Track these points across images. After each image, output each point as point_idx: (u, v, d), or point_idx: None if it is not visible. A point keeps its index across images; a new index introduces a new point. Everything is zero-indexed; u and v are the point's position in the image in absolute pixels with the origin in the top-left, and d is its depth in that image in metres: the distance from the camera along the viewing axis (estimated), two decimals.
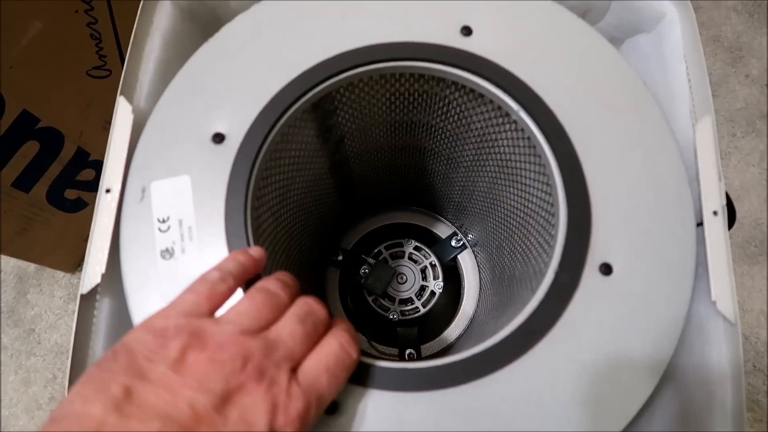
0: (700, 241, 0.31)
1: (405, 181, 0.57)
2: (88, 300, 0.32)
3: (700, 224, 0.32)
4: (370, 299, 0.60)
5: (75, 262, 0.86)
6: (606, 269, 0.30)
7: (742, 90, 0.87)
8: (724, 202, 0.31)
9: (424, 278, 0.61)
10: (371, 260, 0.61)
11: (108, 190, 0.33)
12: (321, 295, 0.64)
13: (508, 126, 0.37)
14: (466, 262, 0.63)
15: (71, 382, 0.31)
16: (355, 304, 0.62)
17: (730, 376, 0.30)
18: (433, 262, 0.62)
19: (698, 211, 0.32)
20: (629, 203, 0.32)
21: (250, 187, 0.33)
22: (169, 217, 0.32)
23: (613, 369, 0.29)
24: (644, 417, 0.37)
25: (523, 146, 0.36)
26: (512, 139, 0.37)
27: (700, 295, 0.31)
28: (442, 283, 0.61)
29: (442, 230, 0.65)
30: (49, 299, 0.85)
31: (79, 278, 0.87)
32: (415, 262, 0.62)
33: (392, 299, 0.60)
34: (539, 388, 0.29)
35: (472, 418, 0.28)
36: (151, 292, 0.31)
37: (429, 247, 0.64)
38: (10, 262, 0.87)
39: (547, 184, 0.34)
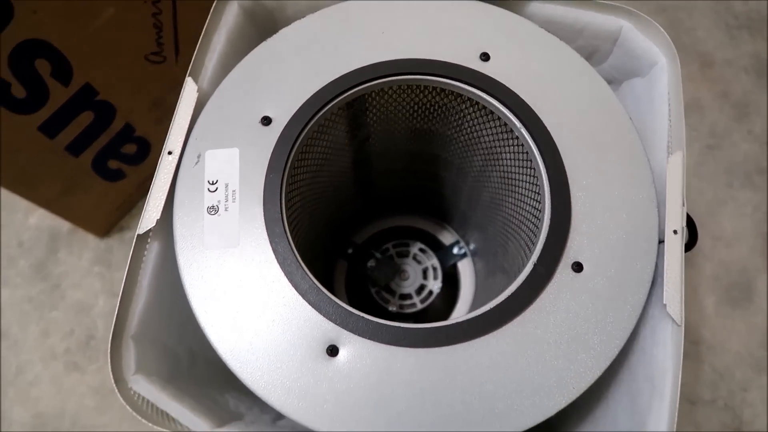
0: (662, 256, 0.37)
1: (418, 186, 0.63)
2: (142, 240, 0.38)
3: (662, 241, 0.37)
4: (373, 290, 0.66)
5: (106, 228, 0.92)
6: (577, 267, 0.36)
7: (744, 145, 0.92)
8: (684, 224, 0.37)
9: (425, 278, 0.67)
10: (378, 255, 0.66)
11: (170, 152, 0.39)
12: (329, 283, 0.70)
13: (511, 141, 0.43)
14: (465, 269, 0.69)
15: (121, 309, 0.37)
16: (359, 293, 0.67)
17: (671, 370, 0.35)
18: (435, 265, 0.68)
19: (662, 230, 0.37)
20: (604, 216, 0.37)
21: (288, 164, 0.39)
22: (217, 181, 0.38)
23: (573, 350, 0.35)
24: (601, 408, 0.43)
25: (522, 160, 0.42)
26: (513, 153, 0.43)
27: (656, 301, 0.37)
28: (440, 284, 0.66)
29: (447, 238, 0.71)
30: (77, 260, 0.92)
31: (107, 244, 0.94)
32: (419, 262, 0.68)
33: (393, 293, 0.66)
34: (508, 357, 0.34)
35: (448, 374, 0.34)
36: (196, 239, 0.37)
37: (433, 251, 0.69)
38: (45, 221, 0.94)
39: (538, 194, 0.40)
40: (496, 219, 0.53)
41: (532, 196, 0.42)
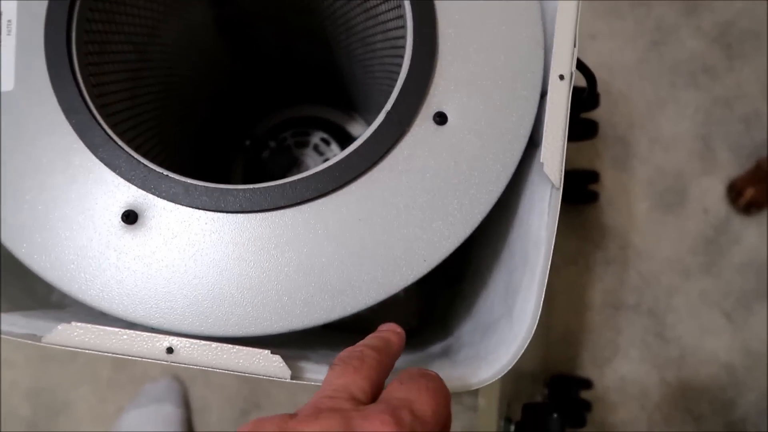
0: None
1: (311, 59, 0.55)
2: None
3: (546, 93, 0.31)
4: None
5: None
6: (440, 118, 0.29)
7: (691, 42, 0.85)
8: (574, 68, 0.30)
9: None
10: (274, 145, 0.59)
11: None
12: (225, 178, 0.62)
13: None
14: None
15: None
16: None
17: (544, 242, 0.29)
18: None
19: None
20: (478, 57, 0.30)
21: None
22: None
23: (427, 217, 0.28)
24: (482, 297, 0.38)
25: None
26: None
27: (537, 165, 0.31)
28: None
29: (357, 129, 0.64)
30: None
31: None
32: (320, 153, 0.61)
33: None
34: (346, 224, 0.28)
35: (273, 245, 0.28)
36: None
37: (340, 143, 0.62)
38: None
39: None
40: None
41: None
